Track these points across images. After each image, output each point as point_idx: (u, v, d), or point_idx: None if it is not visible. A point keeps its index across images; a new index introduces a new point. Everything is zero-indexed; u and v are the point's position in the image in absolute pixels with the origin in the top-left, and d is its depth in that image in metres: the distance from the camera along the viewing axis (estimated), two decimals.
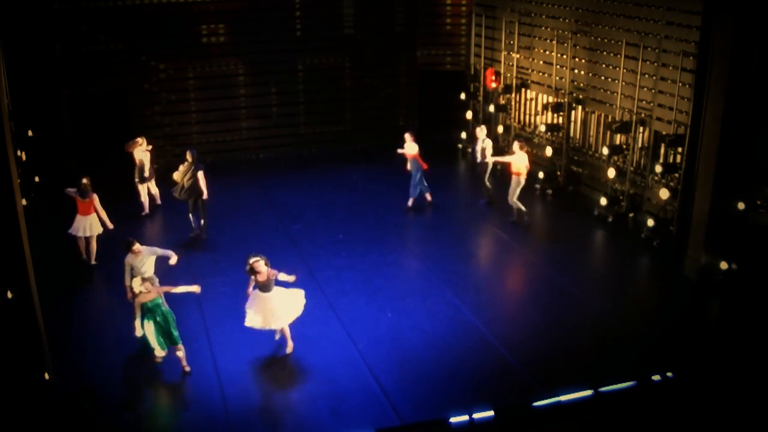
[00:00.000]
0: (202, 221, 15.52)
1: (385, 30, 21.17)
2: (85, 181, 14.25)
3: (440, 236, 15.66)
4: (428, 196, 17.13)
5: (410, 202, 16.97)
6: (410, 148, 16.81)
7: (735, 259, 13.28)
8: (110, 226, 14.45)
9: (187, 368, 11.06)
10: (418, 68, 21.65)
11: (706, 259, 13.49)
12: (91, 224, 14.27)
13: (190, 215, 15.51)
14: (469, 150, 17.63)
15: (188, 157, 15.27)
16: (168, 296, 11.54)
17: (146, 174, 16.47)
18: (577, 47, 17.37)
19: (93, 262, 14.48)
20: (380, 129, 21.24)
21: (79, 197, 14.19)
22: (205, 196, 15.26)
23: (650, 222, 15.18)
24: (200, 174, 15.16)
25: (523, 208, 16.06)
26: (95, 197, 14.26)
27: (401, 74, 21.66)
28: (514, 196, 16.02)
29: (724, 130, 12.84)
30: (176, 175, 15.38)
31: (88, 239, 14.41)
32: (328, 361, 11.38)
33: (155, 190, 16.93)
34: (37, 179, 17.17)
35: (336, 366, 11.25)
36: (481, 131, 17.42)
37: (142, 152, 16.39)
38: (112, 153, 17.31)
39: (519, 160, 15.94)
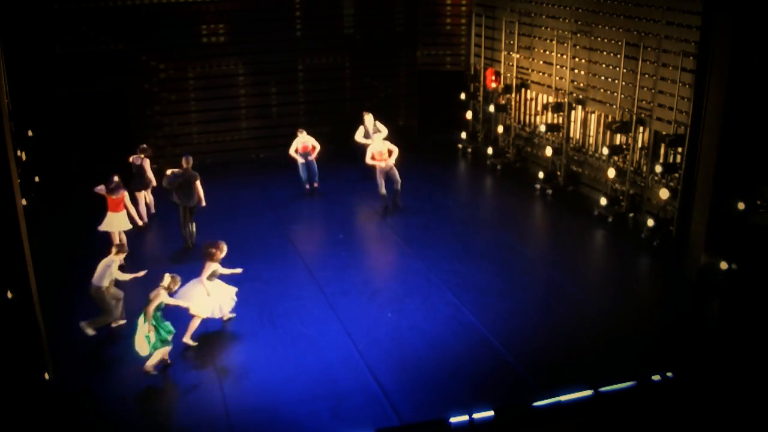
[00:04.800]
0: (192, 226, 15.17)
1: (385, 30, 21.19)
2: (116, 178, 14.51)
3: (440, 236, 15.66)
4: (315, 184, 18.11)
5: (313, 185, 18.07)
6: (306, 140, 17.76)
7: (735, 259, 13.29)
8: (140, 222, 15.54)
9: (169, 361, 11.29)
10: (418, 68, 21.66)
11: (706, 259, 13.49)
12: (120, 221, 14.53)
13: (182, 229, 15.11)
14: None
15: (184, 162, 15.09)
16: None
17: (146, 181, 16.18)
18: (577, 47, 17.37)
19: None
20: None
21: (110, 194, 14.40)
22: (203, 203, 15.07)
23: (650, 222, 15.18)
24: (197, 184, 14.91)
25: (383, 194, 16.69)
26: (125, 194, 14.63)
27: (401, 74, 21.68)
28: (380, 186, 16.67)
29: (724, 130, 12.83)
30: (169, 171, 15.16)
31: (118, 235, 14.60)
32: (328, 361, 11.38)
33: (150, 199, 16.56)
34: (37, 179, 17.16)
35: (336, 366, 11.25)
36: (369, 118, 17.98)
37: (141, 159, 16.13)
38: (113, 156, 17.21)
39: (371, 148, 16.68)
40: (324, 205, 17.46)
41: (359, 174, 18.68)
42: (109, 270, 11.91)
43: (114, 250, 12.17)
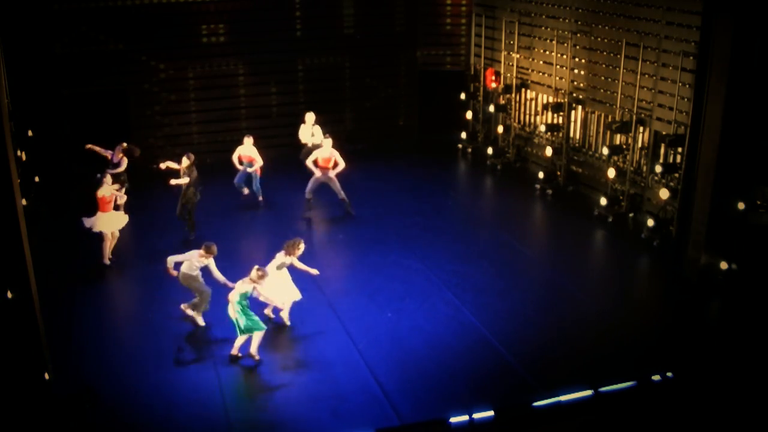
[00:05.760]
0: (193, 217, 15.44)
1: (385, 30, 21.17)
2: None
3: (440, 236, 15.66)
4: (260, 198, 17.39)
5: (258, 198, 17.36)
6: (249, 150, 16.96)
7: (735, 259, 13.29)
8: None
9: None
10: (418, 68, 21.66)
11: (706, 259, 13.48)
12: (114, 219, 14.59)
13: (180, 214, 15.31)
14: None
15: (186, 160, 15.15)
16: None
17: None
18: (577, 47, 17.38)
19: (106, 260, 14.52)
20: (380, 129, 21.25)
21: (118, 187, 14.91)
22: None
23: (650, 222, 15.18)
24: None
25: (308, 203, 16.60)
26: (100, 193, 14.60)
27: (401, 74, 21.66)
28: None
29: (724, 129, 12.83)
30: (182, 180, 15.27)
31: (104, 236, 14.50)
32: (328, 361, 11.39)
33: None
34: (37, 179, 17.15)
35: (336, 366, 11.26)
36: (310, 116, 18.03)
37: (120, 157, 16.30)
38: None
39: (318, 152, 16.29)
40: (323, 205, 17.44)
41: (360, 175, 18.69)
42: (203, 265, 12.11)
43: (203, 251, 12.09)
